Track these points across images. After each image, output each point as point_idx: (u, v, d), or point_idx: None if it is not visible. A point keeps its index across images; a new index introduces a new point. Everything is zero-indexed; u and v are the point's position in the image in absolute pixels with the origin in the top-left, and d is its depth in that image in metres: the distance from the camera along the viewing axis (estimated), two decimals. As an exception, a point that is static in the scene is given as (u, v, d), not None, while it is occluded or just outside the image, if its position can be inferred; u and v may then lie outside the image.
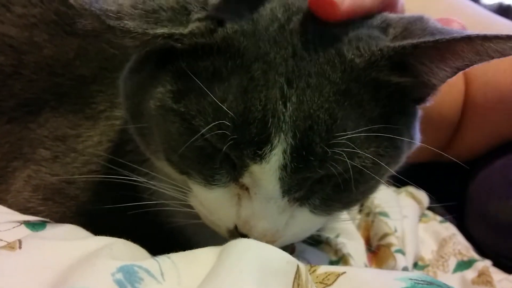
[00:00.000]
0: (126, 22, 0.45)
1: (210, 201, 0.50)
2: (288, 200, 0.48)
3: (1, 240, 0.49)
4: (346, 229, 0.83)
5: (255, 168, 0.46)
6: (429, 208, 1.00)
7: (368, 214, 0.88)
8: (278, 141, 0.44)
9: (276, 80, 0.45)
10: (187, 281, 0.42)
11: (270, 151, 0.44)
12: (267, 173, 0.45)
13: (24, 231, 0.53)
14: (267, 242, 0.47)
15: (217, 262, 0.42)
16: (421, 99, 0.52)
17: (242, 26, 0.46)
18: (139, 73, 0.53)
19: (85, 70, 0.68)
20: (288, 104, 0.44)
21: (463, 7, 1.03)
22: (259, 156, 0.45)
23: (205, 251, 0.47)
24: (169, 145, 0.50)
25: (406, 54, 0.46)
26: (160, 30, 0.45)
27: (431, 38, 0.44)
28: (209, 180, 0.49)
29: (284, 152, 0.44)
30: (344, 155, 0.44)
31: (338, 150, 0.44)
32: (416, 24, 0.48)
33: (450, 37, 0.43)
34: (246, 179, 0.47)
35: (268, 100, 0.44)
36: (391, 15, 0.51)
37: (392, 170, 0.53)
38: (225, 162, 0.48)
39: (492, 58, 0.43)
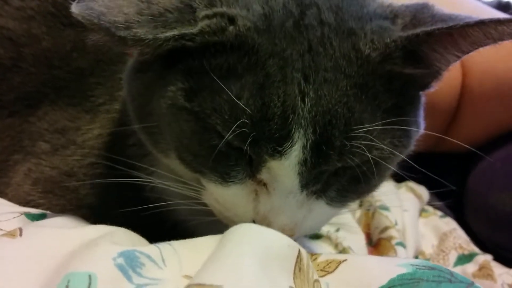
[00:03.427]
0: (135, 30, 0.44)
1: (226, 198, 0.50)
2: (306, 194, 0.48)
3: (1, 229, 0.49)
4: (347, 223, 0.83)
5: (274, 164, 0.45)
6: (430, 200, 1.00)
7: (368, 209, 0.88)
8: (298, 137, 0.44)
9: (293, 76, 0.44)
10: (188, 267, 0.41)
11: (291, 147, 0.44)
12: (286, 168, 0.45)
13: (24, 221, 0.53)
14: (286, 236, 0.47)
15: (218, 246, 0.41)
16: (426, 86, 0.52)
17: (255, 22, 0.46)
18: (145, 73, 0.52)
19: (83, 62, 0.68)
20: (306, 100, 0.44)
21: (463, 2, 1.04)
22: (278, 152, 0.44)
23: (206, 239, 0.46)
24: (181, 144, 0.49)
25: (419, 42, 0.46)
26: (170, 33, 0.44)
27: (444, 25, 0.44)
28: (225, 177, 0.48)
29: (304, 147, 0.44)
30: (363, 147, 0.44)
31: (356, 143, 0.44)
32: (423, 12, 0.48)
33: (464, 23, 0.43)
34: (264, 175, 0.47)
35: (287, 96, 0.44)
36: (395, 4, 0.51)
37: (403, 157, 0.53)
38: (241, 158, 0.47)
39: (503, 40, 0.44)
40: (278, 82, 0.44)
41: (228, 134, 0.44)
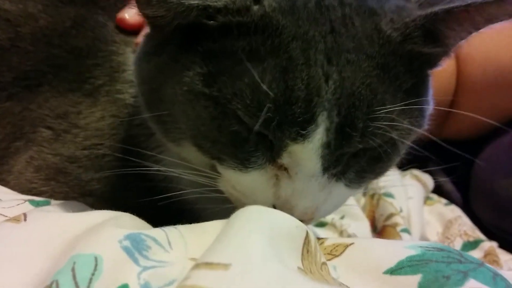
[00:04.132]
0: None
1: (246, 185, 0.49)
2: (327, 177, 0.47)
3: (5, 216, 0.48)
4: (351, 210, 0.83)
5: (296, 148, 0.45)
6: (437, 186, 0.99)
7: (372, 196, 0.87)
8: (322, 120, 0.43)
9: (317, 58, 0.44)
10: (195, 251, 0.41)
11: (314, 130, 0.44)
12: (309, 152, 0.45)
13: (28, 207, 0.52)
14: (307, 219, 0.47)
15: (225, 226, 0.41)
16: (436, 64, 0.52)
17: (280, 2, 0.45)
18: (159, 57, 0.51)
19: (81, 42, 0.67)
20: (330, 82, 0.43)
21: None
22: (301, 136, 0.44)
23: (212, 223, 0.46)
24: (199, 131, 0.48)
25: (437, 21, 0.45)
26: (194, 1, 0.44)
27: (463, 3, 0.44)
28: (245, 163, 0.47)
29: (327, 130, 0.44)
30: (384, 128, 0.44)
31: (378, 124, 0.44)
32: None
33: (483, 0, 0.43)
34: (285, 159, 0.46)
35: (310, 79, 0.43)
36: None
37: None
38: (261, 143, 0.47)
39: None
40: (302, 65, 0.43)
41: (259, 123, 0.43)
